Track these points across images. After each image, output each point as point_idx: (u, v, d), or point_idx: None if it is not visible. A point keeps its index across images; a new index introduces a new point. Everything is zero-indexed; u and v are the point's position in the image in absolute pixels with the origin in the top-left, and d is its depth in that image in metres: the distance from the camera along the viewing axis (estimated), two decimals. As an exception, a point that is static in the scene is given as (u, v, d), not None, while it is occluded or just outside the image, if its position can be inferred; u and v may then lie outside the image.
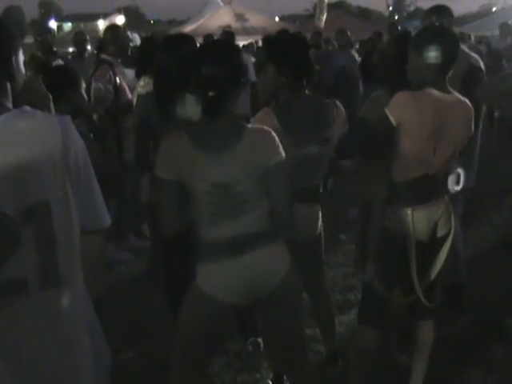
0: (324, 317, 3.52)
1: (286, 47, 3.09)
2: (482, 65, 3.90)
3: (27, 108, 1.70)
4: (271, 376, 3.39)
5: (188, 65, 2.42)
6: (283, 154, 2.37)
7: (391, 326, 3.10)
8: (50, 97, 2.85)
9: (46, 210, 1.65)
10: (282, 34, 3.15)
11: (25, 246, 1.63)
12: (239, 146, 2.32)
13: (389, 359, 3.39)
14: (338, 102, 3.14)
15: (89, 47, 8.15)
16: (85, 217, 1.78)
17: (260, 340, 3.68)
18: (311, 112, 2.99)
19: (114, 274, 4.83)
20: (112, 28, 5.76)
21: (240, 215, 2.37)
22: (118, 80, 5.14)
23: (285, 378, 3.24)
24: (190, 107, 2.97)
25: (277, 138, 2.38)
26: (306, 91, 3.08)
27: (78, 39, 7.84)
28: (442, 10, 3.82)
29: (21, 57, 1.80)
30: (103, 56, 5.41)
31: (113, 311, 3.55)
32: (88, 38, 8.08)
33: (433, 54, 2.67)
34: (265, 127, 2.41)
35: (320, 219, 3.21)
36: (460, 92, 2.85)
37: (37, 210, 1.64)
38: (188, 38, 3.36)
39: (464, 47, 3.82)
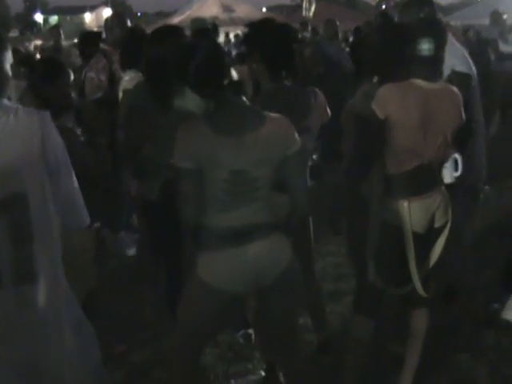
0: (315, 306, 3.52)
1: (268, 37, 2.99)
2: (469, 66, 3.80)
3: (6, 102, 1.69)
4: (264, 366, 3.40)
5: (186, 57, 2.40)
6: (300, 143, 2.42)
7: (385, 315, 3.10)
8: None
9: (22, 203, 1.63)
10: (266, 22, 3.09)
11: None
12: (260, 132, 2.34)
13: (382, 348, 3.40)
14: (317, 90, 3.12)
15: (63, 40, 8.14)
16: (65, 215, 1.77)
17: (251, 331, 3.69)
18: (289, 102, 2.95)
19: (107, 267, 4.81)
20: (118, 15, 5.77)
21: (249, 204, 2.38)
22: (114, 69, 5.06)
23: (277, 368, 3.24)
24: (191, 100, 2.96)
25: (293, 127, 2.42)
26: (286, 81, 3.04)
27: (53, 32, 7.85)
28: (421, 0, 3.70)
29: (8, 54, 1.77)
30: (101, 45, 5.38)
31: (107, 304, 3.54)
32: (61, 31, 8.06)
33: (423, 46, 2.68)
34: (282, 117, 2.43)
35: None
36: None
37: (12, 202, 1.63)
38: (179, 30, 3.35)
39: (454, 40, 3.77)
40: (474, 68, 3.76)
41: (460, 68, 3.59)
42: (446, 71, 3.39)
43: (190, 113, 2.87)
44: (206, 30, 6.49)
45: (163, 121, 3.07)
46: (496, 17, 10.08)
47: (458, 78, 3.50)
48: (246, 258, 2.39)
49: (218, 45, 2.64)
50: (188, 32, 4.36)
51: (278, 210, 2.49)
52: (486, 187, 4.60)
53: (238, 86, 2.45)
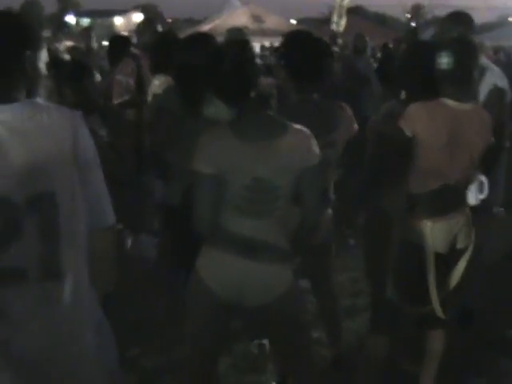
0: (331, 321, 3.50)
1: (298, 48, 2.97)
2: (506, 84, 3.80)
3: (39, 100, 1.71)
4: (277, 378, 3.38)
5: (217, 65, 2.42)
6: (319, 157, 2.42)
7: (401, 334, 3.08)
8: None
9: (51, 201, 1.65)
10: (300, 34, 3.07)
11: (27, 235, 1.63)
12: (284, 141, 2.35)
13: (397, 367, 3.37)
14: (344, 105, 3.10)
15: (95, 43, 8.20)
16: (92, 214, 1.78)
17: (266, 342, 3.67)
18: (316, 116, 2.92)
19: (125, 269, 4.82)
20: (149, 20, 5.82)
21: (267, 216, 2.38)
22: (143, 73, 5.07)
23: (290, 381, 3.22)
24: (220, 108, 2.98)
25: (315, 141, 2.42)
26: (315, 95, 3.03)
27: (85, 34, 7.90)
28: (459, 18, 3.69)
29: (43, 53, 1.80)
30: (131, 49, 5.43)
31: (123, 307, 3.55)
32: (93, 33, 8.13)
33: (445, 60, 2.66)
34: (305, 129, 2.43)
35: (330, 224, 3.19)
36: None
37: (42, 200, 1.64)
38: (211, 37, 3.36)
39: (488, 62, 3.76)
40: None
41: (501, 85, 3.60)
42: (489, 87, 3.42)
43: (219, 120, 2.88)
44: (244, 40, 6.52)
45: (191, 126, 3.08)
46: None
47: (499, 94, 3.52)
48: (243, 271, 2.37)
49: (249, 54, 2.64)
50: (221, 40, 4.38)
51: (290, 221, 2.48)
52: (501, 209, 4.54)
53: (264, 97, 2.45)
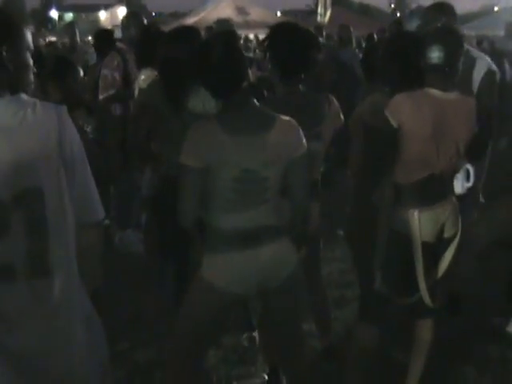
0: (320, 312, 3.52)
1: (284, 40, 2.94)
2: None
3: (23, 96, 1.69)
4: (267, 370, 3.39)
5: (202, 56, 2.40)
6: (306, 147, 2.44)
7: (390, 323, 3.09)
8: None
9: (38, 197, 1.64)
10: (286, 26, 3.05)
11: (14, 231, 1.62)
12: (271, 133, 2.36)
13: (386, 357, 3.39)
14: (331, 96, 3.10)
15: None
16: (80, 210, 1.77)
17: (255, 334, 3.68)
18: (302, 108, 2.91)
19: (110, 265, 4.82)
20: (134, 14, 5.79)
21: (258, 205, 2.39)
22: (129, 68, 5.05)
23: (280, 372, 3.24)
24: (205, 101, 2.96)
25: (301, 131, 2.44)
26: (301, 86, 3.03)
27: (69, 29, 7.84)
28: (442, 8, 3.70)
29: (25, 43, 1.77)
30: (117, 44, 5.39)
31: (111, 302, 3.54)
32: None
33: (435, 55, 2.67)
34: (292, 120, 2.45)
35: (318, 215, 3.20)
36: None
37: (29, 196, 1.63)
38: (195, 30, 3.35)
39: (478, 51, 3.79)
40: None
41: (493, 68, 3.66)
42: (483, 71, 3.47)
43: (203, 114, 2.87)
44: (232, 32, 6.50)
45: (175, 120, 3.07)
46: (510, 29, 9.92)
47: (492, 76, 3.58)
48: (252, 261, 2.40)
49: (236, 45, 2.62)
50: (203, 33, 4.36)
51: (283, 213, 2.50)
52: (481, 200, 4.57)
53: (250, 89, 2.45)
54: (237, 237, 2.39)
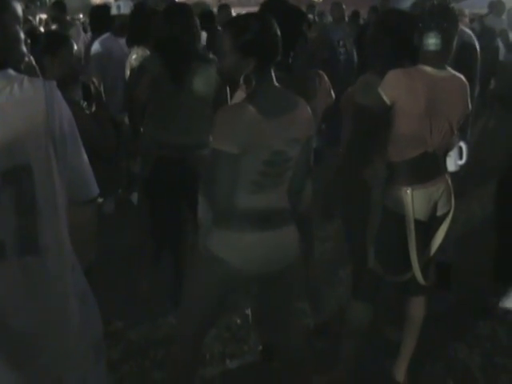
0: (312, 290, 3.53)
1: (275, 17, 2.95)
2: (475, 42, 3.86)
3: (11, 71, 1.66)
4: (260, 348, 3.41)
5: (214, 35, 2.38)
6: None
7: (382, 301, 3.11)
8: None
9: (27, 174, 1.62)
10: (275, 3, 3.02)
11: (3, 209, 1.61)
12: (296, 112, 2.38)
13: (378, 333, 3.42)
14: (321, 73, 3.10)
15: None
16: (73, 187, 1.75)
17: (248, 312, 3.69)
18: (294, 84, 2.77)
19: (103, 243, 4.80)
20: None
21: (277, 186, 2.40)
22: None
23: (273, 349, 3.25)
24: (204, 78, 2.94)
25: None
26: (290, 61, 2.97)
27: (58, 7, 7.65)
28: None
29: (13, 15, 1.70)
30: None
31: (104, 280, 3.54)
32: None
33: (432, 41, 2.66)
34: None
35: (310, 194, 3.19)
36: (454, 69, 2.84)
37: (17, 173, 1.61)
38: (189, 8, 3.32)
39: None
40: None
41: (471, 42, 3.66)
42: (458, 44, 3.47)
43: (203, 94, 2.85)
44: (209, 12, 6.42)
45: (174, 99, 3.05)
46: (498, 7, 9.78)
47: (470, 49, 3.57)
48: (266, 241, 2.39)
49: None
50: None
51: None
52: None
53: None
54: (252, 216, 2.36)
